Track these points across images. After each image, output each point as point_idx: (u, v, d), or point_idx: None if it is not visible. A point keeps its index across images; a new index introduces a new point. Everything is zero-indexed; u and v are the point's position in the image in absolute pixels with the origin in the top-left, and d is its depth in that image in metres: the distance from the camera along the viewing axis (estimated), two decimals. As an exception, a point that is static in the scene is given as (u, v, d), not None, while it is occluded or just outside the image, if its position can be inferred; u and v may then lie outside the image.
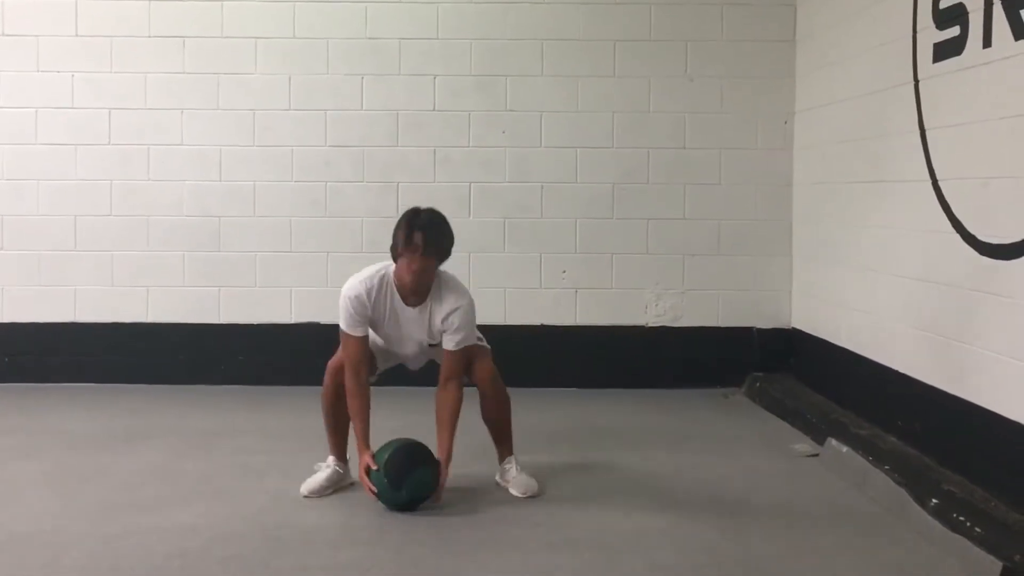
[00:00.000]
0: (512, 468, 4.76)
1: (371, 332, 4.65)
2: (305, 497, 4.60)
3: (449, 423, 4.53)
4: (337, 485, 4.70)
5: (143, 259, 7.08)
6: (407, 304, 4.55)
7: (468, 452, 4.88)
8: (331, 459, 4.76)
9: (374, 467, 4.38)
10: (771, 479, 4.97)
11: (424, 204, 7.01)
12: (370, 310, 4.53)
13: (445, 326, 4.54)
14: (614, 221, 7.08)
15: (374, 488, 4.38)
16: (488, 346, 4.78)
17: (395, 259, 4.49)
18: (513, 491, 4.67)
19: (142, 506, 4.46)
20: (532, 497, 4.61)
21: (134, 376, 7.04)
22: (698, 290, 7.12)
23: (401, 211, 6.88)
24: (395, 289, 4.54)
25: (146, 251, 7.08)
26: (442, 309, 4.53)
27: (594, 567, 3.81)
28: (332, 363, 4.67)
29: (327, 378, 4.66)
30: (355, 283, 4.56)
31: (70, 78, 7.04)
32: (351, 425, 4.60)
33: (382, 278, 4.55)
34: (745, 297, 7.13)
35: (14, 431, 5.81)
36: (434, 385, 4.60)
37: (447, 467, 4.46)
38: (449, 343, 4.56)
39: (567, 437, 5.63)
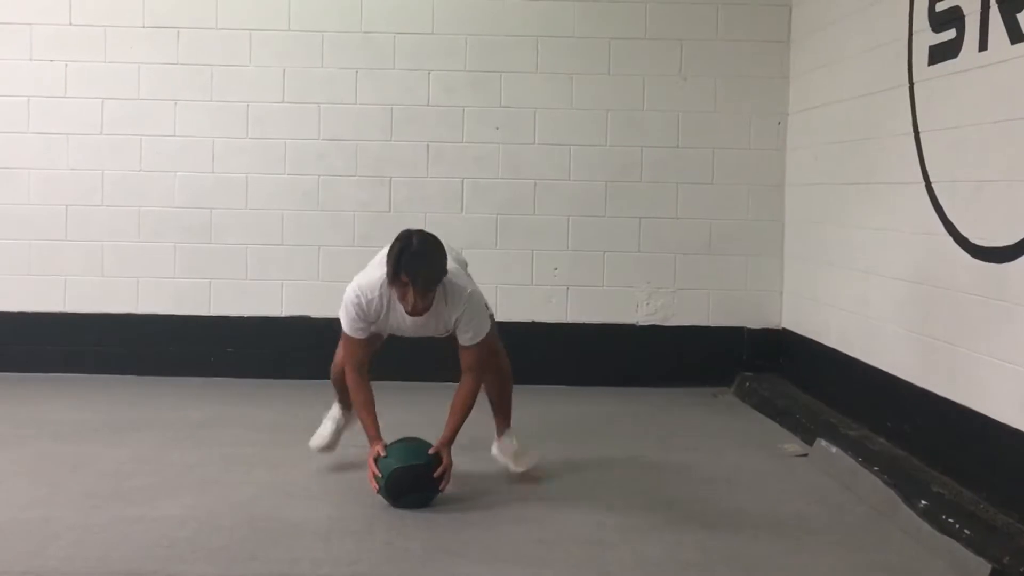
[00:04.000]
0: (512, 441, 4.88)
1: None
2: (319, 450, 4.93)
3: (458, 410, 4.52)
4: (342, 431, 4.99)
5: (134, 250, 7.05)
6: (412, 313, 4.32)
7: (456, 447, 4.86)
8: (336, 406, 5.01)
9: (383, 455, 4.37)
10: (760, 479, 4.98)
11: (416, 200, 7.08)
12: (371, 318, 4.43)
13: (456, 327, 4.48)
14: (606, 219, 7.08)
15: (378, 473, 4.34)
16: (495, 335, 4.74)
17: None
18: (514, 467, 4.83)
19: (129, 496, 4.44)
20: (533, 468, 4.83)
21: (123, 367, 7.01)
22: (689, 289, 7.12)
23: (393, 206, 7.05)
24: (397, 301, 4.33)
25: (137, 242, 7.06)
26: (450, 312, 4.42)
27: (583, 562, 3.81)
28: (337, 359, 4.78)
29: (334, 369, 4.86)
30: (357, 290, 4.40)
31: (63, 67, 7.01)
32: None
33: (382, 288, 4.35)
34: (736, 297, 7.13)
35: (1, 420, 5.78)
36: (452, 381, 4.60)
37: (447, 453, 4.45)
38: (463, 339, 4.50)
39: (556, 434, 5.62)
